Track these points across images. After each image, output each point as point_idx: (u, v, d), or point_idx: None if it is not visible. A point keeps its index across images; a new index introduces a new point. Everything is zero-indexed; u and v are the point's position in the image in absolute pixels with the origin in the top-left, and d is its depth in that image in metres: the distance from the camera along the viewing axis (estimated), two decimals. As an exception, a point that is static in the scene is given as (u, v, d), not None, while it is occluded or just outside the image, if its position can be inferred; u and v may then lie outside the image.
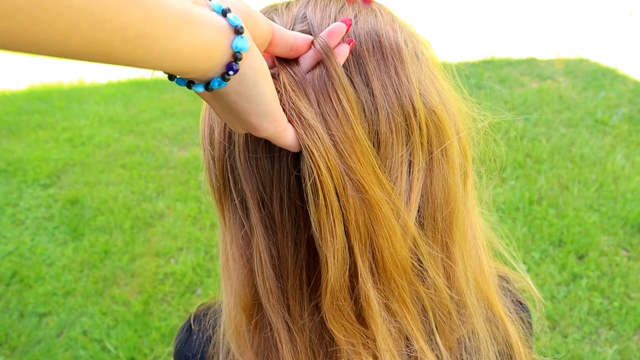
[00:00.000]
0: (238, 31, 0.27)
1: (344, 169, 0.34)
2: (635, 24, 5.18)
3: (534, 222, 2.28)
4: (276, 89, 0.32)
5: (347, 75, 0.36)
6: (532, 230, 2.23)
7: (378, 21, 0.38)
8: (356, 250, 0.35)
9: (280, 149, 0.36)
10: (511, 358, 0.48)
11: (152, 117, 3.79)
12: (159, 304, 2.01)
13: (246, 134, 0.37)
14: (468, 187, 0.42)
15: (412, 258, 0.38)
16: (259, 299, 0.40)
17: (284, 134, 0.32)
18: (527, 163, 2.74)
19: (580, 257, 2.09)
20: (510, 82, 3.93)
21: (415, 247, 0.38)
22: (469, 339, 0.45)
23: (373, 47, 0.37)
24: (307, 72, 0.35)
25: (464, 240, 0.42)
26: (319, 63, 0.35)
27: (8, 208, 2.70)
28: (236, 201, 0.39)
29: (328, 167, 0.33)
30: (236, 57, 0.27)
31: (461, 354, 0.44)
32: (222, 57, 0.27)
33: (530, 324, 0.55)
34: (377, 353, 0.38)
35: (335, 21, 0.37)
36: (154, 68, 0.25)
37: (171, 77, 0.29)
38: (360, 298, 0.37)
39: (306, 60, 0.35)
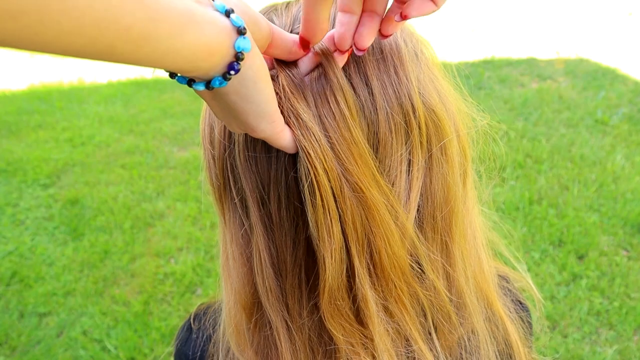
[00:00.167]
0: (241, 32, 0.27)
1: (341, 171, 0.34)
2: (635, 24, 5.19)
3: (534, 222, 2.28)
4: (275, 90, 0.32)
5: (346, 75, 0.36)
6: (532, 230, 2.23)
7: None
8: (353, 251, 0.35)
9: (278, 149, 0.36)
10: (511, 357, 0.48)
11: (152, 117, 3.79)
12: (159, 304, 2.01)
13: (246, 134, 0.37)
14: (467, 186, 0.42)
15: (410, 260, 0.39)
16: (258, 298, 0.40)
17: (281, 136, 0.33)
18: (527, 163, 2.74)
19: (580, 257, 2.09)
20: (510, 82, 3.93)
21: (413, 248, 0.39)
22: (469, 339, 0.45)
23: (372, 47, 0.37)
24: (306, 75, 0.35)
25: (464, 239, 0.42)
26: (317, 66, 0.35)
27: (8, 208, 2.70)
28: (236, 200, 0.40)
29: (325, 169, 0.33)
30: (238, 57, 0.27)
31: (461, 354, 0.45)
32: (224, 56, 0.27)
33: (530, 323, 0.55)
34: (375, 353, 0.38)
35: (334, 21, 0.37)
36: (157, 66, 0.25)
37: (172, 75, 0.29)
38: (358, 298, 0.37)
39: (305, 63, 0.35)
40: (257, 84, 0.30)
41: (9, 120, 3.82)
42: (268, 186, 0.37)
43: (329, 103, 0.34)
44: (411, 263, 0.39)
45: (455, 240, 0.41)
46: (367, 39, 0.34)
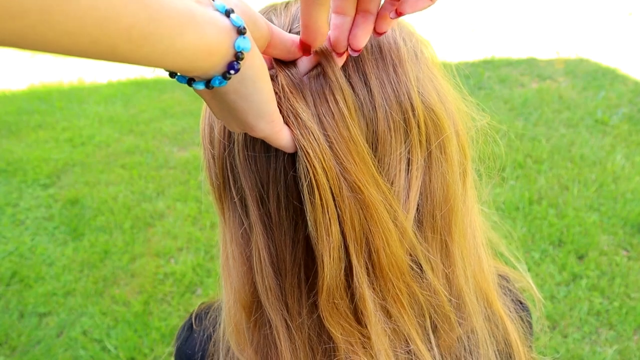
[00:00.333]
0: (241, 31, 0.27)
1: (340, 170, 0.34)
2: (635, 24, 5.19)
3: (534, 222, 2.28)
4: (274, 90, 0.33)
5: (345, 74, 0.36)
6: (532, 230, 2.24)
7: None
8: (351, 250, 0.35)
9: (278, 149, 0.36)
10: (510, 357, 0.48)
11: (152, 117, 3.79)
12: (159, 304, 2.01)
13: (245, 133, 0.37)
14: (467, 185, 0.42)
15: (409, 260, 0.39)
16: (258, 297, 0.40)
17: (280, 135, 0.33)
18: (527, 163, 2.74)
19: (580, 257, 2.09)
20: (510, 82, 3.93)
21: (412, 248, 0.39)
22: (468, 338, 0.45)
23: (371, 46, 0.37)
24: (305, 74, 0.35)
25: (464, 238, 0.42)
26: (316, 65, 0.35)
27: (8, 208, 2.70)
28: (235, 199, 0.40)
29: (324, 168, 0.33)
30: (238, 56, 0.27)
31: (460, 353, 0.45)
32: (224, 56, 0.27)
33: (530, 323, 0.55)
34: (372, 352, 0.38)
35: None
36: (157, 66, 0.25)
37: (172, 74, 0.29)
38: (356, 297, 0.37)
39: (304, 62, 0.35)
40: (256, 84, 0.30)
41: (9, 120, 3.82)
42: (267, 185, 0.37)
43: (328, 102, 0.34)
44: (410, 263, 0.39)
45: (454, 239, 0.41)
46: (362, 40, 0.34)
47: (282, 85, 0.34)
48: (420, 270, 0.40)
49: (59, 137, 3.52)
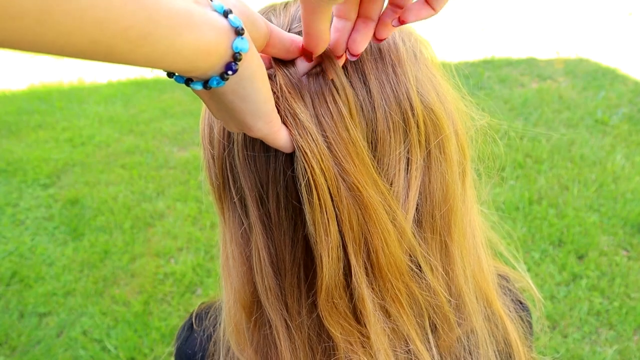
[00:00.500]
0: (239, 32, 0.27)
1: (338, 170, 0.34)
2: (635, 24, 5.19)
3: (534, 222, 2.28)
4: (272, 90, 0.32)
5: (345, 74, 0.36)
6: (532, 230, 2.24)
7: None
8: (350, 250, 0.36)
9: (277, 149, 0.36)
10: (510, 356, 0.48)
11: (152, 117, 3.79)
12: (159, 304, 2.01)
13: (244, 133, 0.37)
14: (466, 185, 0.42)
15: (408, 260, 0.39)
16: (258, 297, 0.40)
17: (278, 135, 0.33)
18: (527, 163, 2.74)
19: (580, 257, 2.09)
20: (510, 82, 3.93)
21: (411, 248, 0.39)
22: (468, 338, 0.45)
23: (370, 46, 0.37)
24: (304, 74, 0.35)
25: (463, 237, 0.42)
26: (316, 65, 0.35)
27: (8, 208, 2.70)
28: (235, 199, 0.40)
29: (322, 168, 0.33)
30: (236, 57, 0.27)
31: (460, 353, 0.45)
32: (222, 57, 0.27)
33: (530, 323, 0.55)
34: (371, 352, 0.38)
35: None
36: (155, 66, 0.25)
37: (170, 74, 0.29)
38: (354, 297, 0.37)
39: (303, 62, 0.35)
40: (254, 84, 0.30)
41: (9, 120, 3.82)
42: (267, 185, 0.37)
43: (327, 102, 0.34)
44: (409, 263, 0.39)
45: (454, 239, 0.41)
46: (361, 45, 0.34)
47: (281, 85, 0.34)
48: (420, 270, 0.40)
49: (59, 137, 3.52)
